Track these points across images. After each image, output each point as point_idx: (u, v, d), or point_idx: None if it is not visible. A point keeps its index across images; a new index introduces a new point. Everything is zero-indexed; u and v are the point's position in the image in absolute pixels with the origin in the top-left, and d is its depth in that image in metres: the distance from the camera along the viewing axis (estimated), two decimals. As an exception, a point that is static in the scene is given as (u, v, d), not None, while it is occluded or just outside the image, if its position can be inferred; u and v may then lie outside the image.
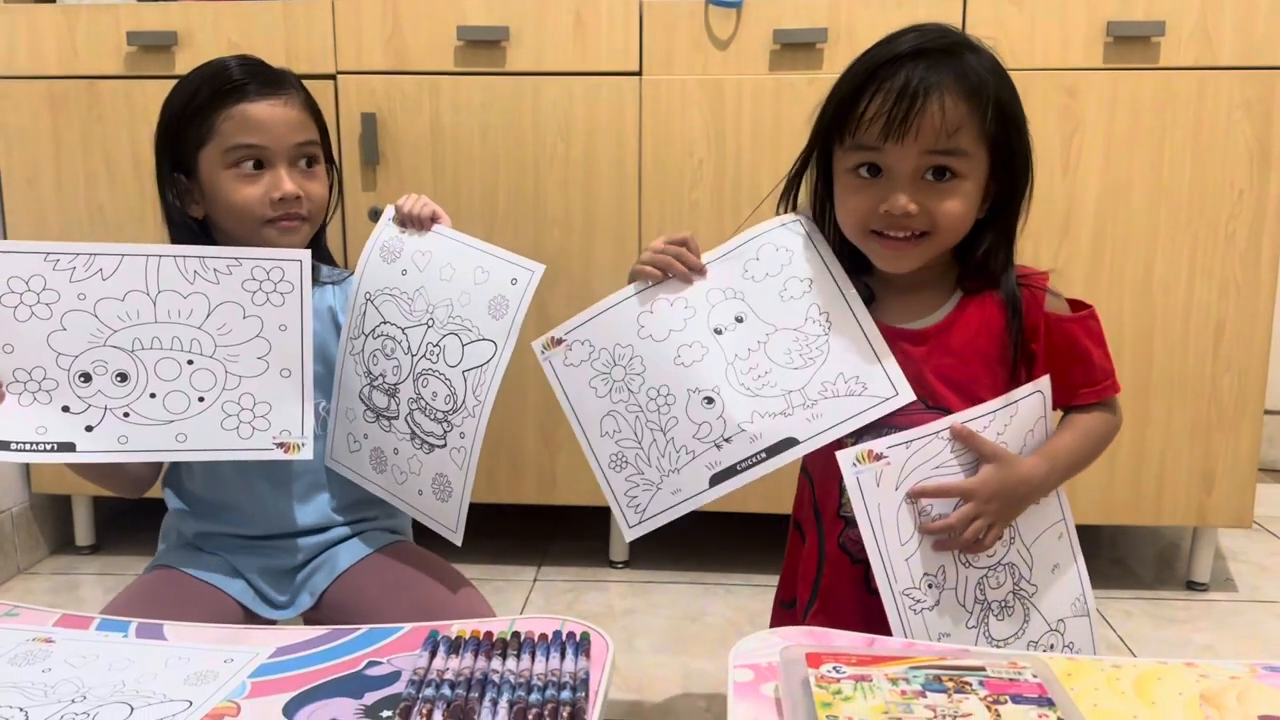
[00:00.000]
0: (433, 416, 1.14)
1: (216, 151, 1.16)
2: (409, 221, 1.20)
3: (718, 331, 1.09)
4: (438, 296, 1.15)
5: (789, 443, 1.05)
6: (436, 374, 1.13)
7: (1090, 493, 1.77)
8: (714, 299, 1.10)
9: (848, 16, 1.66)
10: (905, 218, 1.01)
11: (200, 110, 1.17)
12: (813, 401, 1.05)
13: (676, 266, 1.09)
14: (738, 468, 1.05)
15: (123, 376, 1.11)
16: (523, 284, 1.11)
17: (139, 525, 2.05)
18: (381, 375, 1.17)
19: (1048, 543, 1.09)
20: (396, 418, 1.16)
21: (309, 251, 1.15)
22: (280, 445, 1.13)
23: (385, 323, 1.17)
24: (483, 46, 1.74)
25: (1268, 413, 1.84)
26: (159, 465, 1.24)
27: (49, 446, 1.09)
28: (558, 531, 2.10)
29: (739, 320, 1.09)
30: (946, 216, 1.02)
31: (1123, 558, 2.00)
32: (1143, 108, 1.67)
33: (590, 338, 1.11)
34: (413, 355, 1.15)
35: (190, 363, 1.12)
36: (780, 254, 1.11)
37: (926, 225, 1.02)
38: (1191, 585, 1.86)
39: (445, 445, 1.14)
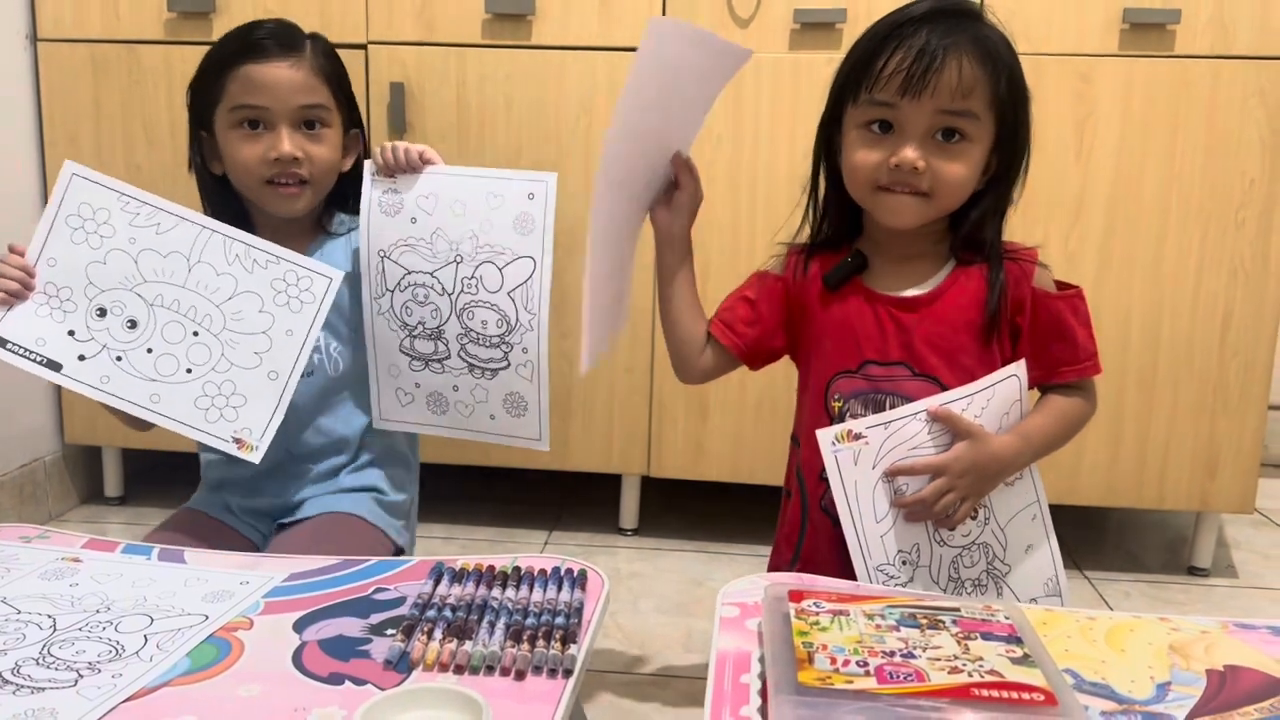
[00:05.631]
0: (487, 344, 1.20)
1: (225, 110, 1.21)
2: (399, 170, 1.21)
3: None
4: (458, 233, 1.20)
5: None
6: (481, 304, 1.20)
7: (1093, 475, 1.79)
8: None
9: (867, -3, 1.70)
10: (912, 174, 1.04)
11: (217, 69, 1.21)
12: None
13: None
14: None
15: (133, 323, 1.16)
16: (541, 196, 1.20)
17: (166, 478, 2.11)
18: (420, 323, 1.22)
19: (1021, 524, 1.12)
20: (448, 357, 1.22)
21: (342, 274, 1.19)
22: (236, 440, 1.16)
23: (410, 273, 1.21)
24: (509, 20, 1.78)
25: (1273, 408, 1.84)
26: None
27: (39, 359, 1.14)
28: (569, 498, 2.14)
29: None
30: (949, 179, 1.05)
31: (1129, 545, 2.02)
32: (1157, 95, 1.68)
33: None
34: (449, 295, 1.20)
35: (195, 334, 1.17)
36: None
37: (929, 186, 1.05)
38: (1193, 570, 1.87)
39: (509, 365, 1.21)
